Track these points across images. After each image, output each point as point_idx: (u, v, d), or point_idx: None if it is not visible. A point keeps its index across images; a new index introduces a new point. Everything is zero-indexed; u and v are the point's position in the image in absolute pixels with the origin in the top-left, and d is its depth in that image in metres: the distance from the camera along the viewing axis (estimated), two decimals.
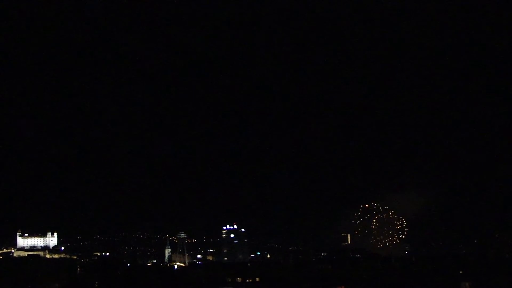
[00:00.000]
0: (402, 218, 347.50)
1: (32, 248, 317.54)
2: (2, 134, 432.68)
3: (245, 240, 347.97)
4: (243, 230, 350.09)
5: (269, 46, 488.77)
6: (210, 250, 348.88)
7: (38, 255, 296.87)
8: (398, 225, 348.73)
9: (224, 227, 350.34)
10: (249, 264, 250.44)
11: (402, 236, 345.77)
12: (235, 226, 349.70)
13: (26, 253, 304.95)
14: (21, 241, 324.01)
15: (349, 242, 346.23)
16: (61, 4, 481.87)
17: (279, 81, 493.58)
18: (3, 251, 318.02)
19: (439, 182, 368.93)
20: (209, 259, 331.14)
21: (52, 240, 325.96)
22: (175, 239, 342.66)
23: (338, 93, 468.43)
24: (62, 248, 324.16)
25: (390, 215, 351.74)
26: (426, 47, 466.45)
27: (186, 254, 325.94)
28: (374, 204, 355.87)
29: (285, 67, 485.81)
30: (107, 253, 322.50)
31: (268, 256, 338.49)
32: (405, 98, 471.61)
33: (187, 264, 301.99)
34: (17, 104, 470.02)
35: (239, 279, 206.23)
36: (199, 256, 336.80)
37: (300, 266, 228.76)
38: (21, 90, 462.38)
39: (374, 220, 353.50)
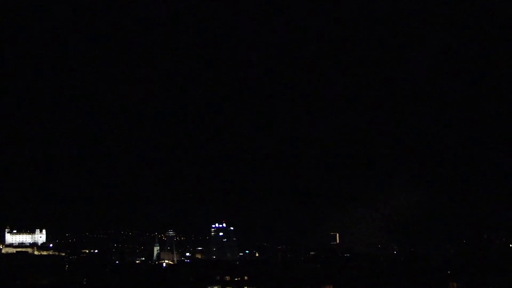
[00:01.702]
0: (390, 218, 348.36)
1: (21, 245, 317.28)
2: None
3: (234, 239, 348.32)
4: (232, 228, 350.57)
5: (264, 45, 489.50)
6: (199, 248, 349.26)
7: (27, 252, 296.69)
8: (386, 225, 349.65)
9: (213, 225, 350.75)
10: (237, 263, 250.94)
11: (390, 236, 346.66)
12: (224, 225, 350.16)
13: (14, 250, 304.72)
14: (10, 238, 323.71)
15: (337, 241, 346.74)
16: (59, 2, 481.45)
17: (269, 80, 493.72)
18: None
19: (428, 182, 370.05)
20: (197, 257, 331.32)
21: (40, 237, 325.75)
22: (164, 237, 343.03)
23: (330, 94, 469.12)
24: (51, 245, 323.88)
25: (378, 214, 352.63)
26: (427, 44, 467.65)
27: (175, 252, 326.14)
28: (362, 203, 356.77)
29: (276, 66, 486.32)
30: (96, 250, 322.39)
31: (257, 254, 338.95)
32: (396, 99, 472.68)
33: (175, 262, 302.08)
34: (6, 101, 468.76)
35: (227, 278, 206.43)
36: (187, 254, 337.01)
37: (288, 264, 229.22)
38: (13, 86, 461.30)
39: (363, 220, 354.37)
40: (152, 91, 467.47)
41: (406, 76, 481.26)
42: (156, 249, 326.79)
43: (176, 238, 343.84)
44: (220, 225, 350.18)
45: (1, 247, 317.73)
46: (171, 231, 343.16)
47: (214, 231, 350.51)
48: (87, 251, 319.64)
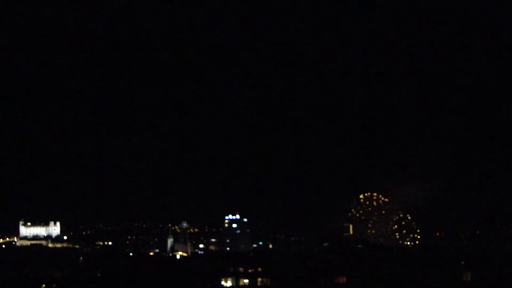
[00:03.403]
0: (404, 209, 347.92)
1: (35, 238, 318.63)
2: (4, 123, 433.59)
3: (247, 230, 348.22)
4: (245, 220, 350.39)
5: (269, 44, 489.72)
6: (213, 240, 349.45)
7: (41, 244, 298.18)
8: (400, 216, 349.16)
9: (227, 217, 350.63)
10: (251, 254, 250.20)
11: (404, 227, 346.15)
12: (238, 216, 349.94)
13: (29, 242, 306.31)
14: (24, 231, 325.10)
15: (351, 233, 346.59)
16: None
17: (280, 76, 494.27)
18: (6, 240, 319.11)
19: (441, 173, 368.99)
20: (211, 249, 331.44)
21: (54, 229, 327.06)
22: (178, 229, 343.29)
23: (340, 84, 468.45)
24: (65, 237, 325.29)
25: (392, 205, 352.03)
26: (430, 40, 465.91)
27: (189, 244, 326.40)
28: (376, 194, 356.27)
29: (283, 64, 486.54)
30: (110, 243, 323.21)
31: (270, 246, 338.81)
32: (408, 88, 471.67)
33: (189, 253, 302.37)
34: (18, 95, 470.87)
35: (241, 269, 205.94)
36: (201, 245, 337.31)
37: (302, 256, 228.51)
38: (24, 84, 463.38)
39: (376, 211, 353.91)
40: (164, 83, 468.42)
41: (416, 68, 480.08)
42: (170, 241, 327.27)
43: (189, 230, 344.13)
44: (234, 217, 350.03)
45: (15, 239, 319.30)
46: (184, 223, 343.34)
47: (228, 222, 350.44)
48: (101, 243, 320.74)
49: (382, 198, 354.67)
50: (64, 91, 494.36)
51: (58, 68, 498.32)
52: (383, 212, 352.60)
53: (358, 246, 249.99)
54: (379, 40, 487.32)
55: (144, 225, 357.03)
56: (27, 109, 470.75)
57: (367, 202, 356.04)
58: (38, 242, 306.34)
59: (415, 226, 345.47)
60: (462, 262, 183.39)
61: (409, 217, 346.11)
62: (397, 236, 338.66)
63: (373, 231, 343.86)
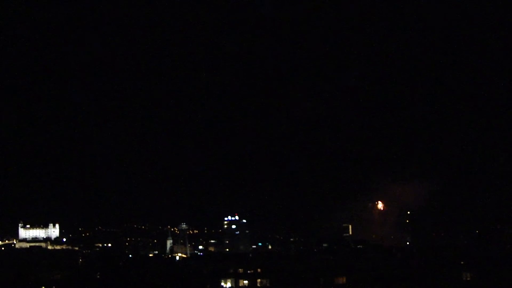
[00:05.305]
0: (403, 209, 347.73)
1: (34, 240, 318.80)
2: (3, 125, 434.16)
3: (247, 231, 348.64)
4: (244, 221, 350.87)
5: (269, 44, 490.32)
6: (212, 241, 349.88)
7: (40, 246, 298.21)
8: (399, 216, 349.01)
9: (226, 218, 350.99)
10: (250, 255, 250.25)
11: (403, 227, 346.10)
12: (237, 217, 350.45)
13: (28, 244, 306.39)
14: (23, 233, 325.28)
15: (350, 233, 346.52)
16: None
17: (278, 75, 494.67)
18: (5, 243, 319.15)
19: (441, 173, 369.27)
20: (210, 250, 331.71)
21: (54, 231, 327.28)
22: (177, 230, 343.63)
23: (340, 84, 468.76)
24: (64, 239, 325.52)
25: (392, 206, 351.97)
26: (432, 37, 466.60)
27: (188, 245, 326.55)
28: (375, 194, 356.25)
29: (281, 59, 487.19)
30: (109, 244, 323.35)
31: (270, 247, 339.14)
32: (408, 88, 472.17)
33: (188, 255, 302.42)
34: (17, 98, 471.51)
35: (240, 270, 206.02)
36: (200, 247, 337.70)
37: (301, 257, 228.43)
38: (23, 84, 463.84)
39: (376, 211, 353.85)
40: (163, 88, 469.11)
41: (414, 68, 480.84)
42: (169, 242, 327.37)
43: (189, 231, 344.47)
44: (233, 218, 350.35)
45: (14, 241, 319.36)
46: (184, 224, 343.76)
47: (227, 223, 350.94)
48: (100, 245, 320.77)
49: (382, 198, 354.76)
50: (64, 92, 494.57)
51: (59, 68, 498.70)
52: (383, 212, 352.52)
53: (358, 246, 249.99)
54: (378, 39, 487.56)
55: (143, 227, 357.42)
56: (26, 110, 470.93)
57: (367, 203, 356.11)
58: (37, 244, 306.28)
59: (414, 226, 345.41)
60: (462, 262, 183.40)
61: (409, 217, 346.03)
62: (397, 236, 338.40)
63: (372, 232, 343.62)
